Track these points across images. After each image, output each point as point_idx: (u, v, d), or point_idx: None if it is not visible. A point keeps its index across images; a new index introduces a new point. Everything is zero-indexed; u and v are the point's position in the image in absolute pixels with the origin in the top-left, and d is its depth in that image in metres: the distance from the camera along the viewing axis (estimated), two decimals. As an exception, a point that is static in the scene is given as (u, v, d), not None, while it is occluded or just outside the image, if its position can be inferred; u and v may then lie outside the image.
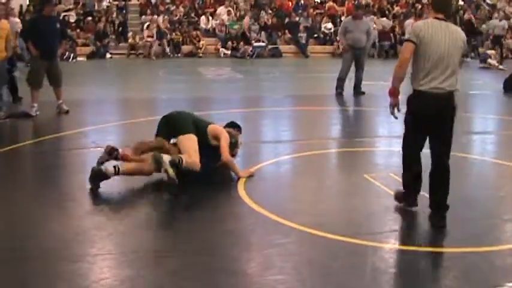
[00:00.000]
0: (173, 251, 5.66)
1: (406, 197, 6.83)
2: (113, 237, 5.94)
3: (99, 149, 8.79)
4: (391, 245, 5.91)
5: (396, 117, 6.59)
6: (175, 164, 7.22)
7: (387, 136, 10.88)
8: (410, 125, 6.56)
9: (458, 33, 6.39)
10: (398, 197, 6.91)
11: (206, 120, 8.45)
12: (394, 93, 6.59)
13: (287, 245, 5.76)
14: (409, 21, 29.50)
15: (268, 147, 10.08)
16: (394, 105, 6.62)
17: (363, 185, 7.84)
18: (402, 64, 6.36)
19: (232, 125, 8.68)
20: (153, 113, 11.58)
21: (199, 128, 7.97)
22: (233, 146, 8.20)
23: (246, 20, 29.55)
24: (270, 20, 30.10)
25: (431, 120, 6.37)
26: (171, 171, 7.13)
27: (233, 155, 8.27)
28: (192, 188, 7.42)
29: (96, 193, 7.26)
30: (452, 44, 6.26)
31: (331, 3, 32.64)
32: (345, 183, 8.13)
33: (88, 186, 7.35)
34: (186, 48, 27.90)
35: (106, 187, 7.36)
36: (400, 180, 6.93)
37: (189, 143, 7.75)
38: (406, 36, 7.81)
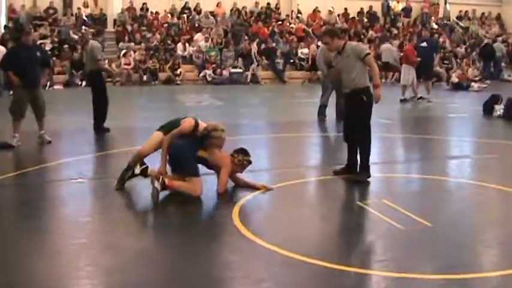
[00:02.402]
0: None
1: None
2: (103, 272, 5.79)
3: (82, 180, 8.63)
4: (392, 273, 5.81)
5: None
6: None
7: (377, 162, 10.75)
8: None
9: None
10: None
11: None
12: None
13: (284, 276, 5.67)
14: (385, 46, 29.72)
15: (252, 176, 9.85)
16: None
17: (357, 212, 7.81)
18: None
19: (242, 152, 8.91)
20: (135, 142, 11.44)
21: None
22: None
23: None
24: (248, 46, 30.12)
25: None
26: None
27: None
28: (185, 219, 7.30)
29: (84, 226, 7.09)
30: None
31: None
32: (339, 212, 8.06)
33: (76, 218, 7.18)
34: (163, 75, 27.80)
35: (94, 220, 7.21)
36: (395, 206, 7.40)
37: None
38: (367, 51, 9.44)
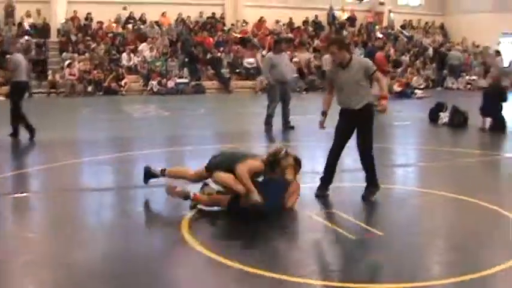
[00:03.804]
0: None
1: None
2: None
3: (26, 194, 8.43)
4: (344, 283, 5.75)
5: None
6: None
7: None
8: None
9: None
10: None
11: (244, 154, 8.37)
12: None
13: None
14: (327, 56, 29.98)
15: (199, 187, 9.76)
16: None
17: (308, 223, 7.75)
18: None
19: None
20: (80, 155, 11.27)
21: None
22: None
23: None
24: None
25: None
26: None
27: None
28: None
29: (30, 242, 6.90)
30: None
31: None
32: (290, 223, 7.91)
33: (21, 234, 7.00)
34: (108, 86, 27.45)
35: (40, 236, 7.03)
36: (345, 216, 7.51)
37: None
38: (375, 67, 8.73)
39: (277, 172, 8.15)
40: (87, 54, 28.51)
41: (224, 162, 8.07)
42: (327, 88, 9.14)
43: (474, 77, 32.78)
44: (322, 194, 8.84)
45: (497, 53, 34.51)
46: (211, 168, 8.15)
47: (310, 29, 36.03)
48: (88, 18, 31.62)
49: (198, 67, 29.64)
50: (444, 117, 17.20)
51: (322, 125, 9.06)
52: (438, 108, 17.80)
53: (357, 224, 7.49)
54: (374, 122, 8.75)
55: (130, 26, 32.05)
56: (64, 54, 28.75)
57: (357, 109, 8.60)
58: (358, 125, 8.71)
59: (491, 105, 16.29)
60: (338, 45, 8.59)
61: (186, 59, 29.88)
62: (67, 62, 27.51)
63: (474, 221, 8.24)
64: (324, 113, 9.01)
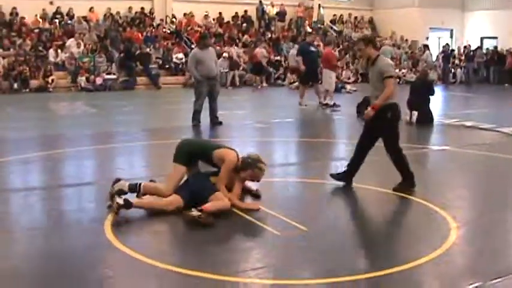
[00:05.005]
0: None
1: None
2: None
3: None
4: (269, 280, 5.83)
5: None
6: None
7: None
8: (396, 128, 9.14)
9: None
10: None
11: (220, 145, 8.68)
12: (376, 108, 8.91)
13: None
14: (258, 50, 30.10)
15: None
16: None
17: (233, 219, 7.74)
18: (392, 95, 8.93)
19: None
20: (3, 154, 11.07)
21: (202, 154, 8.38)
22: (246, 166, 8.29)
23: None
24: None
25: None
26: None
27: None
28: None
29: None
30: None
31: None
32: (215, 220, 7.86)
33: None
34: (35, 82, 26.96)
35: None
36: (271, 211, 7.73)
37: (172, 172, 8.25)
38: (391, 73, 9.09)
39: (245, 174, 8.31)
40: (12, 50, 27.93)
41: (197, 154, 8.40)
42: None
43: (403, 71, 33.28)
44: (338, 178, 9.50)
45: (425, 47, 35.12)
46: (182, 159, 8.28)
47: (240, 23, 36.07)
48: (13, 13, 30.94)
49: (132, 64, 29.28)
50: (371, 111, 17.42)
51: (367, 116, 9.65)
52: (366, 102, 17.99)
53: (282, 219, 7.54)
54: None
55: (57, 21, 31.52)
56: (-13, 50, 28.12)
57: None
58: (375, 123, 9.12)
59: (418, 99, 16.60)
60: (364, 42, 9.32)
61: (121, 55, 29.53)
62: (-10, 59, 26.93)
63: (400, 214, 8.46)
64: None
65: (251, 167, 8.24)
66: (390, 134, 9.17)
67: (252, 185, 8.71)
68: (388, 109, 9.02)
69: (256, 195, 8.67)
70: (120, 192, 7.94)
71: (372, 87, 9.24)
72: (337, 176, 9.51)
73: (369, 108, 9.08)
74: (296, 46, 26.36)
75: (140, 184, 8.16)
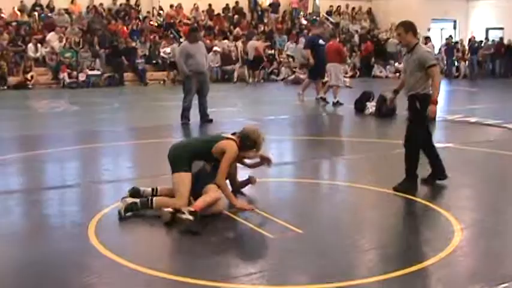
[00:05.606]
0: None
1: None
2: None
3: None
4: (263, 286, 5.80)
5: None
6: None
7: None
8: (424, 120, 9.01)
9: None
10: None
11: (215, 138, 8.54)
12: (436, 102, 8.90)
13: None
14: (252, 42, 30.08)
15: (112, 187, 9.70)
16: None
17: (225, 223, 7.71)
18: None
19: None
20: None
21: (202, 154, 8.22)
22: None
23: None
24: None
25: None
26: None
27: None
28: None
29: None
30: None
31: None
32: (204, 223, 7.83)
33: None
34: (13, 79, 26.92)
35: None
36: (264, 213, 7.66)
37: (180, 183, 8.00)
38: (433, 62, 9.06)
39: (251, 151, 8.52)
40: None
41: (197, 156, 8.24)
42: None
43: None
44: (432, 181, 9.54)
45: (427, 39, 35.12)
46: (183, 166, 8.14)
47: (231, 15, 36.03)
48: (-11, 5, 30.88)
49: (118, 59, 29.22)
50: (371, 107, 17.44)
51: (390, 103, 10.30)
52: (364, 97, 18.03)
53: (276, 221, 7.52)
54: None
55: (36, 14, 31.41)
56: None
57: (408, 96, 9.18)
58: (408, 112, 9.24)
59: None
60: (405, 27, 9.13)
61: (107, 51, 29.49)
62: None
63: (401, 216, 8.44)
64: (395, 91, 9.87)
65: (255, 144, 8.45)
66: (415, 125, 9.11)
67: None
68: (416, 99, 9.01)
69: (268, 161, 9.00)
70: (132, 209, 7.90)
71: (409, 75, 9.13)
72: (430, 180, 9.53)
73: (430, 105, 8.90)
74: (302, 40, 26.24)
75: (152, 200, 8.07)
